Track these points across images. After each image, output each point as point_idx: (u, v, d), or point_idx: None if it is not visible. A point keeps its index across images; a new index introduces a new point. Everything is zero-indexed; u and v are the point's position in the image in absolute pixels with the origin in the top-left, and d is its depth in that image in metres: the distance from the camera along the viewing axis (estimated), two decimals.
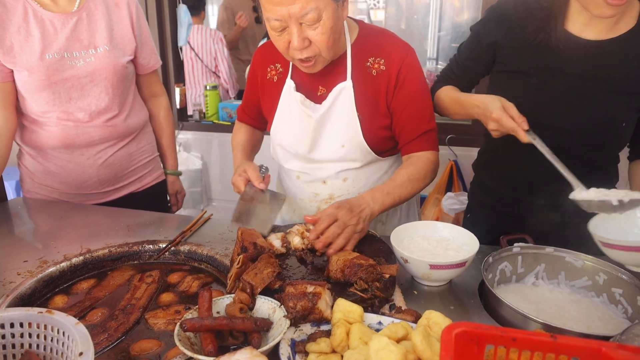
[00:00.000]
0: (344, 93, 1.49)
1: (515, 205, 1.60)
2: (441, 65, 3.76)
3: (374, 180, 1.62)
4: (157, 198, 2.10)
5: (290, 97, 1.55)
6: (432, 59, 3.83)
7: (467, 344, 0.65)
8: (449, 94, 1.58)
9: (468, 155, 3.15)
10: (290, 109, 1.56)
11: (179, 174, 2.20)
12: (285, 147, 1.63)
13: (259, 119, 1.78)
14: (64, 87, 1.70)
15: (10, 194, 1.98)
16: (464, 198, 2.84)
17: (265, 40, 2.22)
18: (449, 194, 2.99)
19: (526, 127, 1.29)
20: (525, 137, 1.28)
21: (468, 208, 1.85)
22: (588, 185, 1.26)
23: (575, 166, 1.48)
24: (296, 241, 1.30)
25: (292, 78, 1.56)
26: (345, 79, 1.49)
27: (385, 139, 1.56)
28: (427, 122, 1.52)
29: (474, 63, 1.59)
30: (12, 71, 1.67)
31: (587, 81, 1.39)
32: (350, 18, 1.55)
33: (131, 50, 1.84)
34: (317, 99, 1.53)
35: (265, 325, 0.94)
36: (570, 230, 1.47)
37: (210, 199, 3.82)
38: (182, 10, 3.57)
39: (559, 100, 1.43)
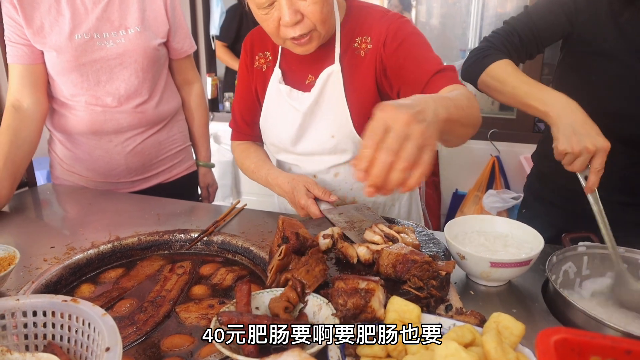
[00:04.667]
0: (332, 78, 1.36)
1: (579, 200, 1.46)
2: (486, 36, 3.60)
3: None
4: (187, 190, 2.03)
5: (277, 87, 1.43)
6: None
7: (567, 354, 0.53)
8: (514, 72, 1.28)
9: (511, 150, 3.01)
10: (278, 101, 1.44)
11: (212, 166, 2.12)
12: (271, 140, 1.52)
13: (257, 125, 1.56)
14: (93, 69, 1.64)
15: (42, 182, 1.93)
16: (506, 196, 2.70)
17: None
18: (490, 191, 2.85)
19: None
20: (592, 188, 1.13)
21: (523, 203, 1.71)
22: None
23: None
24: (363, 252, 1.10)
25: (280, 67, 1.44)
26: (333, 62, 1.36)
27: None
28: (438, 63, 1.25)
29: (550, 31, 1.36)
30: (42, 53, 1.62)
31: None
32: None
33: (163, 33, 1.76)
34: (306, 87, 1.41)
35: None
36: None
37: (240, 192, 3.75)
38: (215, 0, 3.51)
39: None
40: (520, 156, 2.96)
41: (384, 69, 1.32)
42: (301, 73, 1.42)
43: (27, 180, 1.85)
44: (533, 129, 3.03)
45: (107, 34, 1.65)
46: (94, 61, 1.63)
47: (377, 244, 1.09)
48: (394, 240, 1.11)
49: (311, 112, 1.39)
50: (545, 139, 1.61)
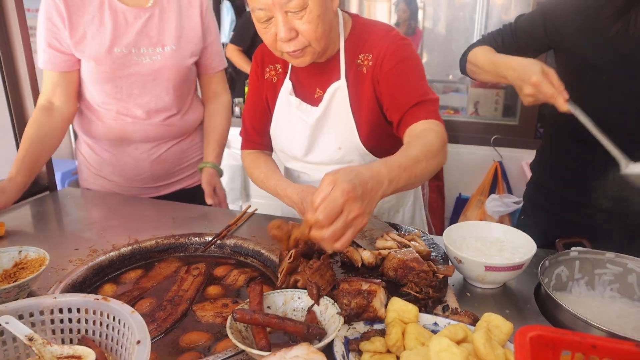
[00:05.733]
0: (338, 93, 1.43)
1: (574, 208, 1.53)
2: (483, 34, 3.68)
3: None
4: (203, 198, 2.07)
5: (287, 99, 1.50)
6: None
7: (541, 349, 0.61)
8: (484, 53, 1.47)
9: (514, 156, 3.07)
10: (288, 112, 1.52)
11: (220, 171, 1.99)
12: (282, 149, 1.59)
13: (267, 134, 1.62)
14: (127, 82, 1.70)
15: (57, 185, 2.02)
16: (508, 200, 2.77)
17: None
18: (493, 195, 2.92)
19: (566, 95, 1.22)
20: (564, 105, 1.22)
21: (523, 210, 1.78)
22: None
23: None
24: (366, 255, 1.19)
25: (290, 79, 1.51)
26: (338, 78, 1.43)
27: (381, 138, 1.46)
28: (423, 93, 1.33)
29: (530, 39, 1.48)
30: (79, 60, 1.68)
31: None
32: (345, 12, 1.48)
33: (197, 52, 1.81)
34: (314, 101, 1.48)
35: (318, 334, 0.89)
36: (634, 240, 1.40)
37: (249, 195, 3.84)
38: (226, 7, 3.60)
39: (632, 101, 1.33)
40: (522, 161, 3.03)
41: (380, 84, 1.39)
42: (310, 87, 1.49)
43: (48, 185, 1.94)
44: (535, 134, 3.09)
45: (145, 49, 1.70)
46: (129, 75, 1.69)
47: (391, 249, 1.17)
48: (406, 247, 1.18)
49: (318, 125, 1.46)
50: (543, 149, 1.68)
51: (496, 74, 1.41)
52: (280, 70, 1.54)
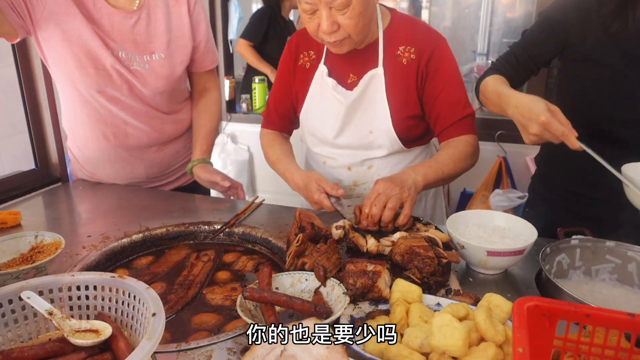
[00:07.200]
0: (375, 80, 1.51)
1: (577, 201, 1.55)
2: (493, 61, 3.71)
3: (397, 170, 1.60)
4: (202, 192, 2.07)
5: (322, 81, 1.58)
6: (482, 54, 3.78)
7: (538, 318, 0.64)
8: (493, 84, 1.44)
9: (517, 152, 3.09)
10: (322, 94, 1.59)
11: (209, 162, 1.86)
12: (312, 132, 1.65)
13: (288, 118, 1.74)
14: (116, 88, 1.65)
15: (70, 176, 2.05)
16: (512, 195, 2.79)
17: None
18: (497, 190, 2.94)
19: (576, 133, 1.18)
20: (576, 144, 1.17)
21: (528, 202, 1.82)
22: None
23: None
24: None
25: (324, 64, 1.58)
26: (376, 66, 1.51)
27: (412, 127, 1.56)
28: (463, 108, 1.51)
29: (542, 49, 1.49)
30: (27, 32, 1.52)
31: None
32: (383, 5, 1.56)
33: (187, 58, 1.76)
34: (348, 86, 1.55)
35: (324, 312, 0.91)
36: (636, 232, 1.41)
37: (256, 190, 3.87)
38: (233, 4, 3.64)
39: (635, 93, 1.35)
40: (525, 157, 3.05)
41: (424, 85, 1.52)
42: (344, 72, 1.56)
43: (61, 176, 1.98)
44: None
45: (132, 55, 1.63)
46: (118, 81, 1.64)
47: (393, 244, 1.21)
48: (432, 241, 1.19)
49: (354, 107, 1.54)
50: (548, 143, 1.70)
51: (499, 106, 1.38)
52: (314, 56, 1.62)
